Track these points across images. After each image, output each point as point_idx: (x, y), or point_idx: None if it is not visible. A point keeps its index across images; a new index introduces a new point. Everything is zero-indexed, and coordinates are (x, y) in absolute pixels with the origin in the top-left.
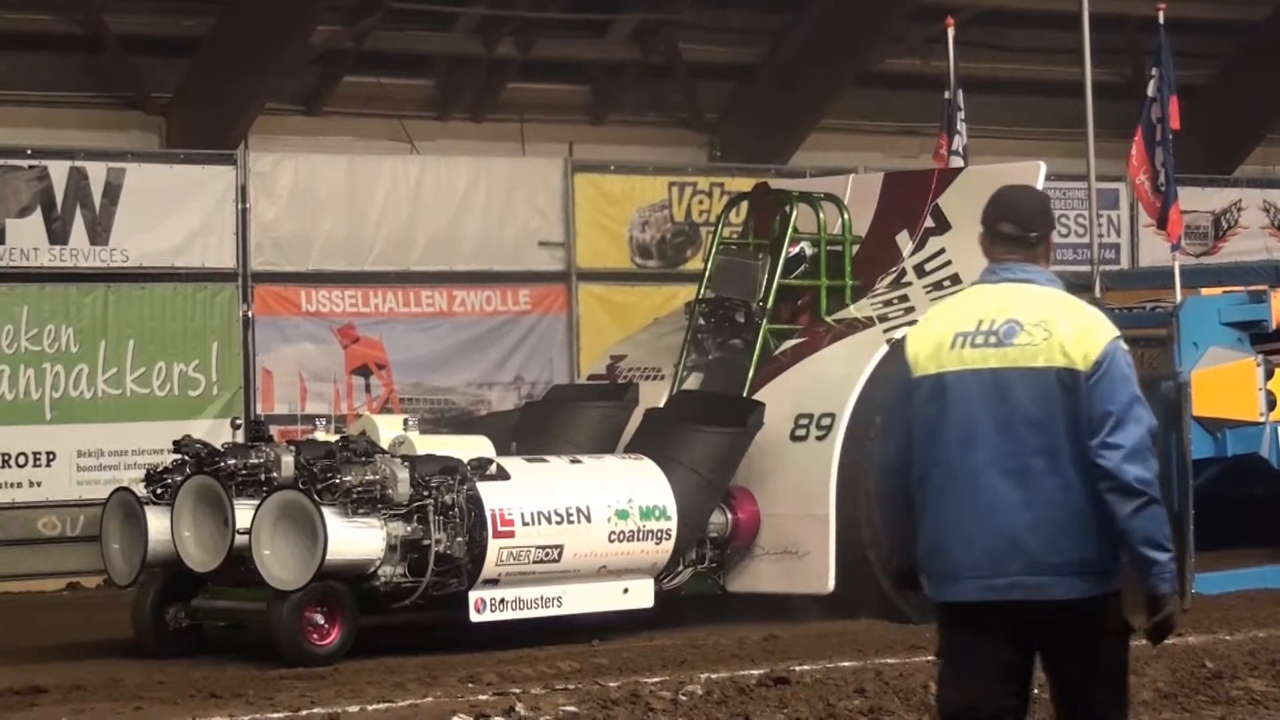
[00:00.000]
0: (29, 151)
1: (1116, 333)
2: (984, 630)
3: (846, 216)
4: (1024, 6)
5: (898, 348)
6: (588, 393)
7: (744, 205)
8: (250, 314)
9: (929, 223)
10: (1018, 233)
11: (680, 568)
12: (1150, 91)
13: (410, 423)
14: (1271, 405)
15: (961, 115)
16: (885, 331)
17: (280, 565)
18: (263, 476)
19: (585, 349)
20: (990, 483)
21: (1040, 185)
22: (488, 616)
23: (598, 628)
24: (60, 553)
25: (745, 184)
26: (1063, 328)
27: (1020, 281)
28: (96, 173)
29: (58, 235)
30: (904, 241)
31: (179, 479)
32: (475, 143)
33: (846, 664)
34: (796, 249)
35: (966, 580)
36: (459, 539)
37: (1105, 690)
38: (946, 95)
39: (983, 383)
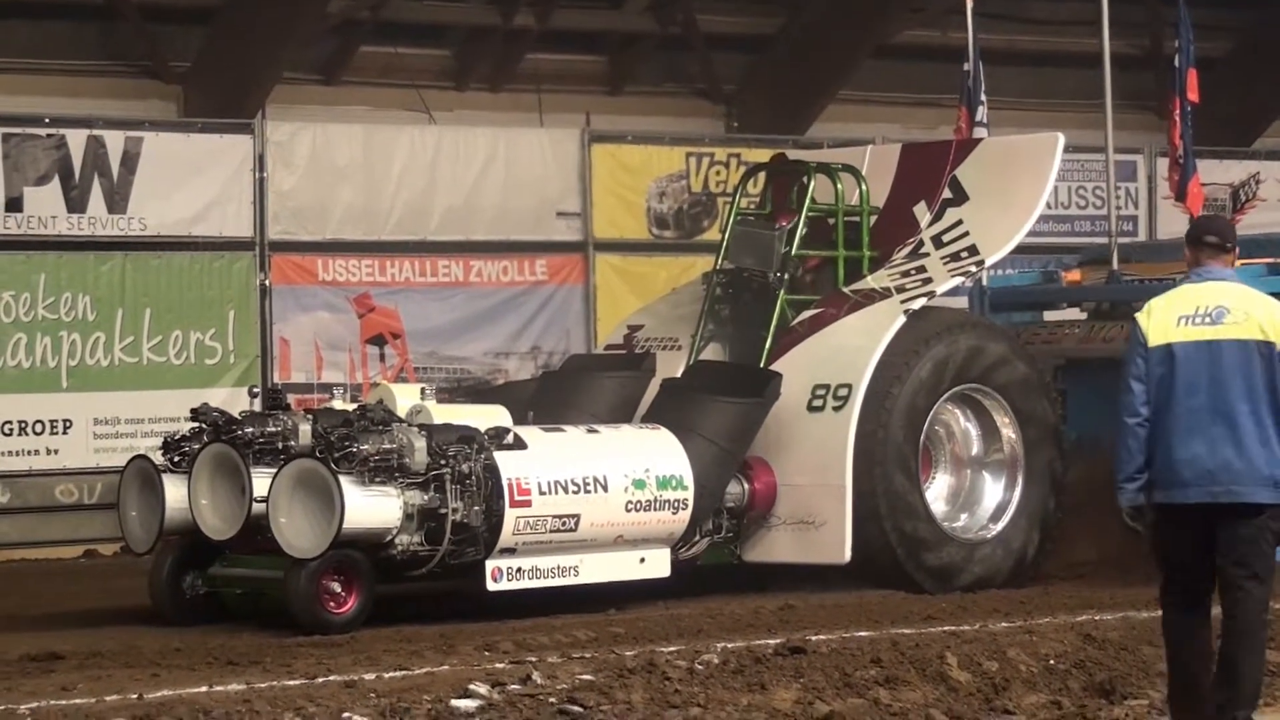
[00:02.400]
0: (47, 120)
1: None
2: (1193, 519)
3: (864, 187)
4: None
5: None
6: (605, 363)
7: (761, 176)
8: (267, 283)
9: (947, 194)
10: (1219, 242)
11: (697, 537)
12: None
13: (427, 392)
14: None
15: (984, 85)
16: (902, 302)
17: (297, 533)
18: (280, 445)
19: (602, 319)
20: (1208, 420)
21: (1058, 157)
22: (504, 585)
23: (614, 597)
24: (77, 520)
25: (763, 155)
26: (1258, 312)
27: (1220, 280)
28: (114, 141)
29: (75, 204)
30: (922, 213)
31: (196, 447)
32: (492, 113)
33: (862, 634)
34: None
35: (1191, 488)
36: (476, 508)
37: (1261, 564)
38: (966, 67)
39: (1200, 351)
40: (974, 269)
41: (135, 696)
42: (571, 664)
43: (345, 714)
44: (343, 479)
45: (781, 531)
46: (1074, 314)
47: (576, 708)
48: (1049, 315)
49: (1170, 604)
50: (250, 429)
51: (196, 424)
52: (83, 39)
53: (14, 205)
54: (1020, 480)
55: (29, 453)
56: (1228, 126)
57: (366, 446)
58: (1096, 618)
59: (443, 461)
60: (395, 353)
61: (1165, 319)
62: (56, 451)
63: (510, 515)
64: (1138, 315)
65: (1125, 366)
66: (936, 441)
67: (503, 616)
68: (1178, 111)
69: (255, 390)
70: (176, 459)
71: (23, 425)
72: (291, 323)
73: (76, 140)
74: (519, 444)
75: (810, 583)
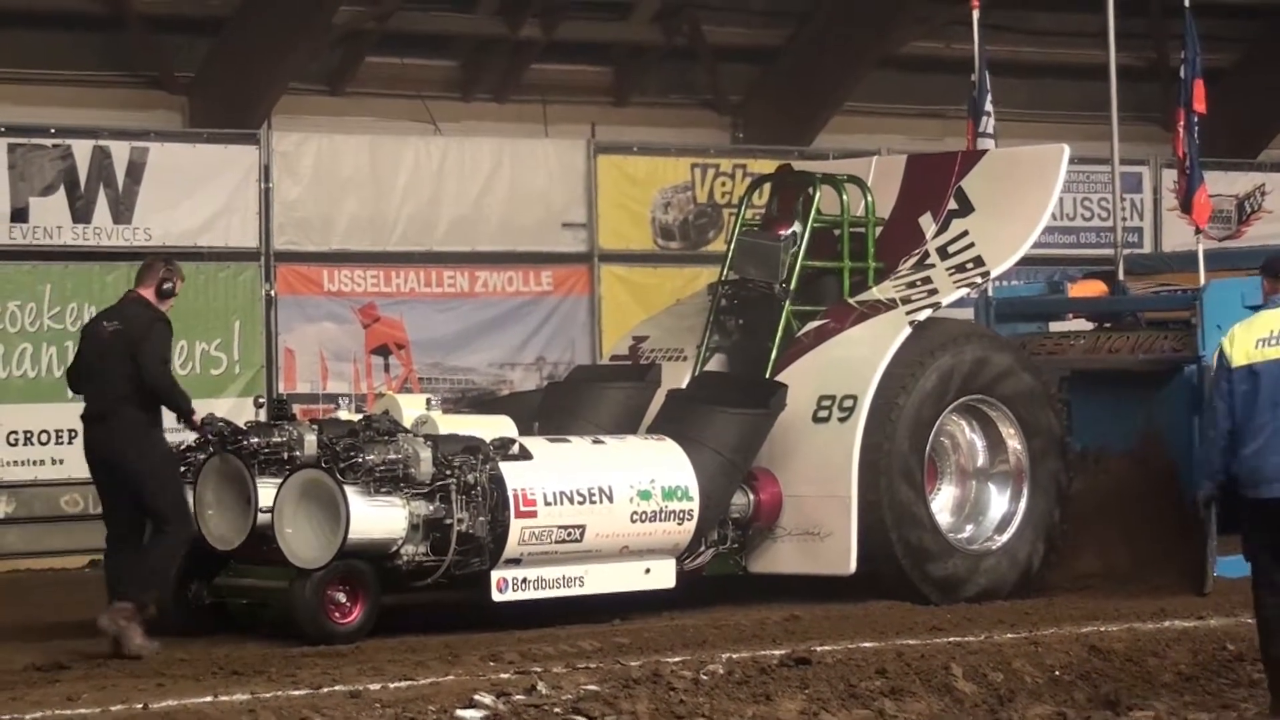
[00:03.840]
0: (53, 130)
1: None
2: (1276, 513)
3: (870, 198)
4: None
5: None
6: (610, 373)
7: (767, 187)
8: (273, 293)
9: (952, 205)
10: None
11: (702, 548)
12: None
13: (433, 402)
14: None
15: (989, 97)
16: (908, 314)
17: (303, 544)
18: (285, 455)
19: (607, 330)
20: None
21: (1063, 168)
22: (510, 596)
23: (619, 607)
24: (83, 530)
25: (768, 166)
26: None
27: None
28: (120, 152)
29: (81, 214)
30: (927, 224)
31: (202, 457)
32: (498, 124)
33: (868, 645)
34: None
35: (1275, 484)
36: (481, 518)
37: None
38: (973, 78)
39: (1277, 368)
40: (979, 280)
41: (140, 706)
42: (576, 674)
43: None
44: (348, 489)
45: (787, 542)
46: (1079, 325)
47: (581, 718)
48: (1054, 326)
49: (1260, 586)
50: (255, 439)
51: (202, 434)
52: (89, 49)
53: (20, 215)
54: (1025, 491)
55: (34, 463)
56: (1233, 138)
57: (372, 457)
58: (1101, 629)
59: (448, 472)
60: (400, 363)
61: (1246, 343)
62: (62, 461)
63: (515, 526)
64: (1222, 341)
65: (1213, 386)
66: (942, 452)
67: (508, 627)
68: (1183, 123)
69: (261, 400)
70: (182, 469)
71: (28, 435)
72: (297, 333)
73: (82, 150)
74: (524, 455)
75: (815, 594)
